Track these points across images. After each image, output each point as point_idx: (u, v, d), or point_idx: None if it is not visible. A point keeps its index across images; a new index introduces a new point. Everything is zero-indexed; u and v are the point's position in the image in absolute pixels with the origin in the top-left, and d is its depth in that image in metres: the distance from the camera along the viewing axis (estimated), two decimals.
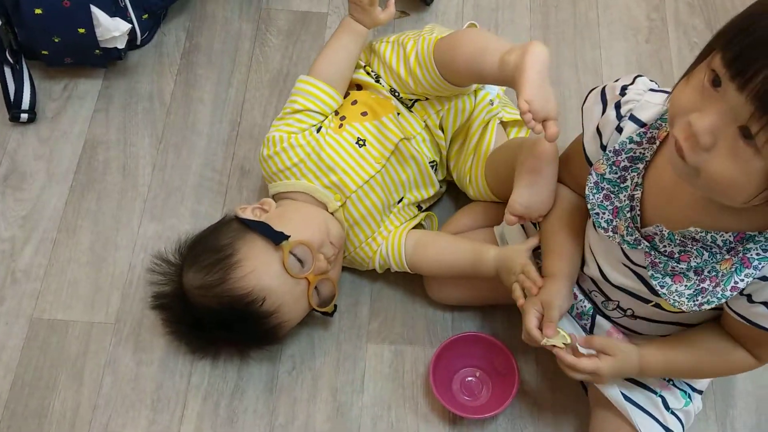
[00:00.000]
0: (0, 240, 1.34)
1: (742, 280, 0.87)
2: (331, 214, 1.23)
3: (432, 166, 1.29)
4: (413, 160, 1.26)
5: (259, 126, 1.46)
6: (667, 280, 0.93)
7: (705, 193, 0.82)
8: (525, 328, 1.06)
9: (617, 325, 1.10)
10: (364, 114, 1.25)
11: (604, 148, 0.97)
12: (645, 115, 0.93)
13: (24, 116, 1.44)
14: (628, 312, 1.07)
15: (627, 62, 1.56)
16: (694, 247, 0.89)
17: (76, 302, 1.29)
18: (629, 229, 0.94)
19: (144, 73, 1.52)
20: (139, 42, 1.51)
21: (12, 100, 1.44)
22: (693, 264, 0.90)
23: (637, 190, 0.93)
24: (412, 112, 1.27)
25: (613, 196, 0.96)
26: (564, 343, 1.03)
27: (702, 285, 0.90)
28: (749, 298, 0.90)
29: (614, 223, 0.96)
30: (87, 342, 1.26)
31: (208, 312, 1.15)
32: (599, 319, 1.11)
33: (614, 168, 0.95)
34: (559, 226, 1.09)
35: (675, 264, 0.91)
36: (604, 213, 0.97)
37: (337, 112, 1.26)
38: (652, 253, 0.93)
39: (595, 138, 0.99)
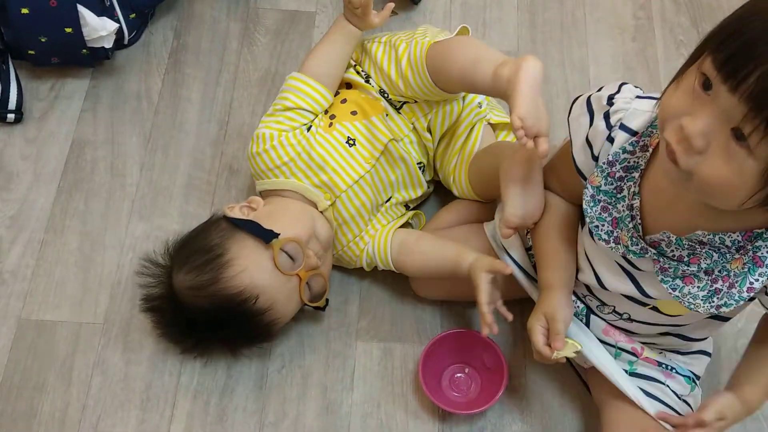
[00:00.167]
0: None
1: (757, 280, 0.88)
2: (321, 212, 1.23)
3: (420, 167, 1.30)
4: (402, 161, 1.26)
5: (247, 125, 1.46)
6: (678, 282, 0.92)
7: (699, 197, 0.82)
8: (534, 348, 1.05)
9: (613, 326, 1.11)
10: (353, 113, 1.25)
11: (595, 158, 0.97)
12: (635, 124, 0.93)
13: (11, 116, 1.43)
14: (624, 316, 1.07)
15: (613, 60, 1.57)
16: (703, 250, 0.89)
17: (64, 303, 1.29)
18: (634, 239, 0.94)
19: (131, 72, 1.52)
20: (126, 41, 1.51)
21: None
22: (703, 265, 0.90)
23: (635, 199, 0.93)
24: (400, 113, 1.27)
25: (611, 207, 0.96)
26: (575, 352, 1.03)
27: (715, 285, 0.90)
28: None
29: (615, 234, 0.96)
30: (75, 342, 1.25)
31: (201, 312, 1.14)
32: (594, 318, 1.12)
33: (609, 179, 0.95)
34: (552, 235, 1.09)
35: (685, 267, 0.91)
36: (603, 225, 0.97)
37: (326, 111, 1.27)
38: (661, 259, 0.93)
39: (585, 149, 0.98)
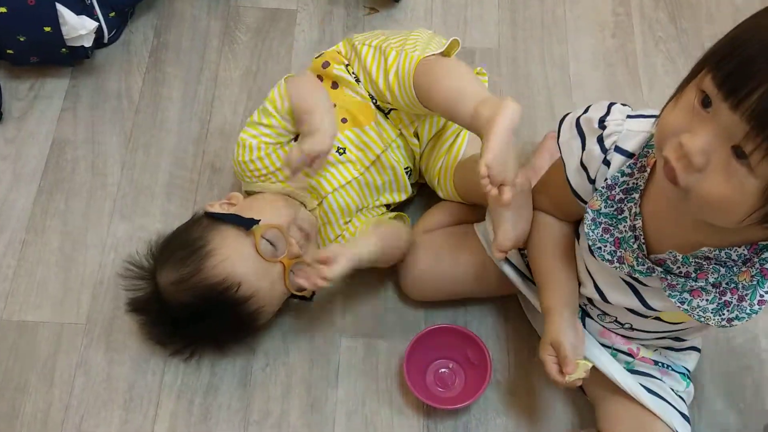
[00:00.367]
0: None
1: (767, 292, 0.88)
2: (310, 211, 1.23)
3: (407, 172, 1.30)
4: (391, 168, 1.26)
5: (229, 123, 1.46)
6: (686, 296, 0.92)
7: (697, 215, 0.81)
8: (550, 378, 1.05)
9: (612, 332, 1.12)
10: (344, 121, 1.24)
11: (592, 181, 0.97)
12: (630, 145, 0.92)
13: None
14: (626, 326, 1.08)
15: (593, 57, 1.58)
16: (710, 265, 0.89)
17: (45, 303, 1.28)
18: (639, 259, 0.94)
19: (112, 71, 1.51)
20: (106, 40, 1.50)
21: None
22: (711, 280, 0.90)
23: (636, 219, 0.93)
24: (388, 119, 1.27)
25: (612, 228, 0.96)
26: (586, 371, 1.03)
27: (724, 298, 0.90)
28: None
29: (618, 254, 0.96)
30: (58, 343, 1.25)
31: (185, 307, 1.14)
32: (589, 321, 1.13)
33: (609, 202, 0.95)
34: (547, 255, 1.09)
35: (693, 282, 0.91)
36: (605, 245, 0.96)
37: None
38: (668, 277, 0.92)
39: (581, 173, 0.98)
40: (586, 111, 0.98)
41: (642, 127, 0.92)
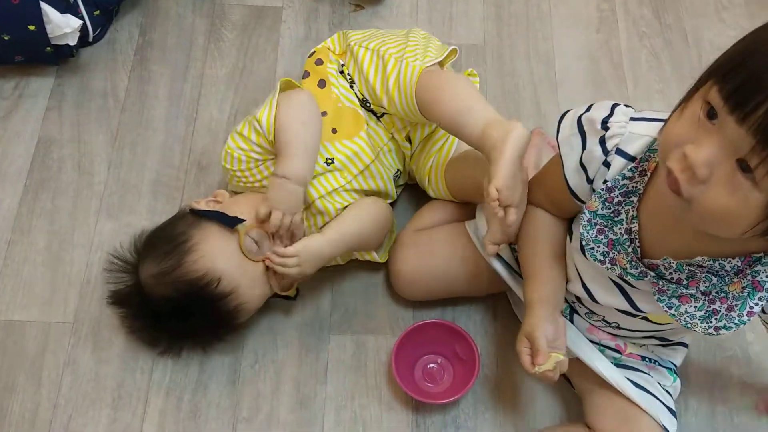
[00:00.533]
0: None
1: (757, 304, 0.88)
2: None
3: (396, 176, 1.31)
4: (380, 176, 1.27)
5: (215, 121, 1.46)
6: (674, 301, 0.92)
7: (698, 225, 0.81)
8: (523, 368, 1.06)
9: (599, 329, 1.13)
10: (334, 131, 1.24)
11: (590, 181, 0.97)
12: (632, 149, 0.92)
13: None
14: (613, 324, 1.09)
15: (578, 52, 1.59)
16: (702, 274, 0.89)
17: (32, 302, 1.27)
18: (633, 263, 0.94)
19: (97, 70, 1.50)
20: (91, 39, 1.50)
21: None
22: (702, 288, 0.90)
23: (633, 223, 0.93)
24: (379, 122, 1.27)
25: (606, 229, 0.96)
26: (557, 363, 1.03)
27: (713, 306, 0.90)
28: None
29: (611, 255, 0.96)
30: (45, 342, 1.24)
31: (165, 301, 1.14)
32: (577, 318, 1.13)
33: (607, 204, 0.95)
34: (536, 251, 1.09)
35: (684, 289, 0.91)
36: (598, 246, 0.97)
37: None
38: (659, 282, 0.93)
39: (579, 172, 0.98)
40: (588, 110, 0.97)
41: (645, 131, 0.92)
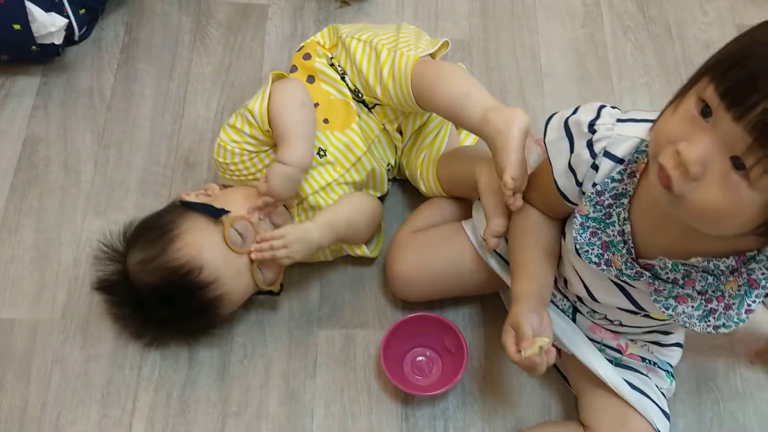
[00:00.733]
0: None
1: (754, 302, 0.88)
2: (287, 208, 1.24)
3: (388, 169, 1.31)
4: (372, 168, 1.27)
5: (202, 118, 1.46)
6: (671, 301, 0.92)
7: (689, 223, 0.81)
8: (510, 359, 1.04)
9: (602, 327, 1.13)
10: (326, 121, 1.24)
11: (579, 184, 0.97)
12: (620, 151, 0.92)
13: None
14: (616, 322, 1.09)
15: (563, 47, 1.60)
16: (698, 273, 0.89)
17: (21, 300, 1.27)
18: (628, 264, 0.94)
19: (83, 68, 1.50)
20: (76, 38, 1.50)
21: None
22: (698, 287, 0.90)
23: (625, 224, 0.93)
24: (371, 113, 1.27)
25: (600, 231, 0.96)
26: (540, 346, 1.02)
27: (710, 305, 0.90)
28: None
29: (606, 257, 0.96)
30: (33, 340, 1.24)
31: (149, 288, 1.14)
32: (580, 316, 1.14)
33: (598, 207, 0.95)
34: (526, 246, 1.09)
35: (680, 289, 0.91)
36: (593, 249, 0.97)
37: None
38: (656, 282, 0.93)
39: (568, 174, 0.98)
40: (574, 112, 0.97)
41: (632, 132, 0.92)
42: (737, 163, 0.72)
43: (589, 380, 1.14)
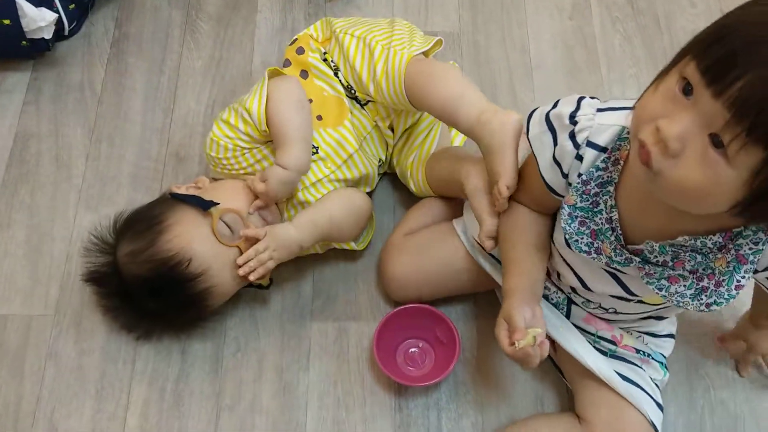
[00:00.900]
0: None
1: (744, 277, 0.89)
2: (276, 204, 1.24)
3: (379, 165, 1.32)
4: (363, 165, 1.27)
5: (193, 112, 1.46)
6: (664, 282, 0.93)
7: (669, 201, 0.81)
8: (504, 352, 1.04)
9: (596, 317, 1.14)
10: (319, 118, 1.24)
11: (565, 176, 0.98)
12: (602, 139, 0.92)
13: None
14: (611, 310, 1.10)
15: (552, 39, 1.60)
16: (686, 253, 0.90)
17: (14, 296, 1.27)
18: (617, 250, 0.94)
19: (73, 63, 1.50)
20: (66, 32, 1.50)
21: None
22: (688, 267, 0.91)
23: (612, 211, 0.93)
24: (363, 110, 1.28)
25: (588, 220, 0.96)
26: (534, 336, 1.02)
27: (701, 283, 0.91)
28: None
29: (595, 245, 0.97)
30: (26, 335, 1.24)
31: (138, 281, 1.14)
32: (574, 308, 1.15)
33: (585, 196, 0.95)
34: (516, 243, 1.10)
35: (671, 271, 0.92)
36: (582, 238, 0.97)
37: None
38: (646, 266, 0.93)
39: (554, 168, 0.99)
40: (555, 106, 0.98)
41: (613, 120, 0.93)
42: (716, 141, 0.73)
43: (584, 373, 1.14)
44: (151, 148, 1.42)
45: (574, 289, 1.10)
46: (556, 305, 1.16)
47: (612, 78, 1.55)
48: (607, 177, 0.93)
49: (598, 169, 0.93)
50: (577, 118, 0.94)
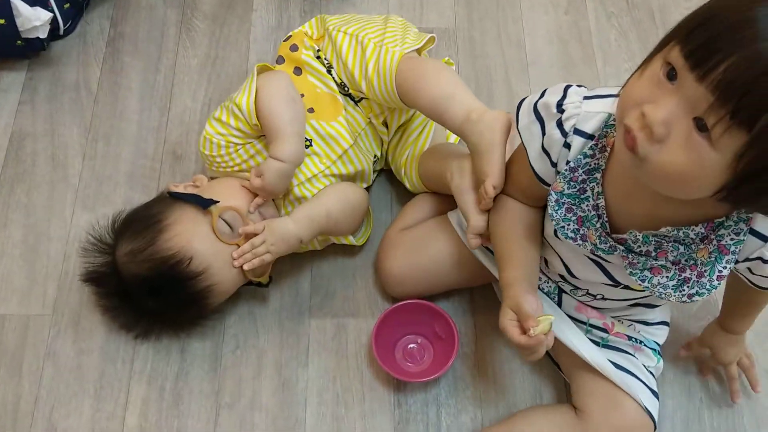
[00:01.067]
0: None
1: (725, 267, 0.89)
2: (273, 200, 1.24)
3: (374, 161, 1.32)
4: (358, 161, 1.27)
5: (189, 110, 1.46)
6: (647, 273, 0.93)
7: (655, 186, 0.82)
8: (514, 343, 1.02)
9: (586, 305, 1.14)
10: (310, 111, 1.24)
11: (554, 164, 0.98)
12: (589, 127, 0.93)
13: None
14: (598, 296, 1.10)
15: (548, 34, 1.60)
16: (669, 244, 0.91)
17: (11, 296, 1.27)
18: (602, 238, 0.95)
19: (69, 62, 1.50)
20: (62, 32, 1.49)
21: None
22: (670, 258, 0.92)
23: (599, 198, 0.94)
24: (357, 107, 1.28)
25: (575, 207, 0.97)
26: (551, 322, 1.01)
27: (684, 275, 0.92)
28: (762, 260, 0.92)
29: (581, 232, 0.97)
30: (24, 335, 1.24)
31: (138, 280, 1.14)
32: (565, 297, 1.15)
33: (572, 183, 0.96)
34: (510, 236, 1.10)
35: (653, 261, 0.93)
36: (569, 224, 0.98)
37: None
38: (629, 255, 0.94)
39: (543, 157, 0.99)
40: (542, 95, 0.99)
41: (599, 108, 0.93)
42: (700, 124, 0.74)
43: (579, 364, 1.15)
44: (147, 146, 1.42)
45: (562, 277, 1.11)
46: (547, 294, 1.16)
47: (608, 72, 1.56)
48: (595, 164, 0.94)
49: (585, 156, 0.94)
50: (564, 107, 0.95)
